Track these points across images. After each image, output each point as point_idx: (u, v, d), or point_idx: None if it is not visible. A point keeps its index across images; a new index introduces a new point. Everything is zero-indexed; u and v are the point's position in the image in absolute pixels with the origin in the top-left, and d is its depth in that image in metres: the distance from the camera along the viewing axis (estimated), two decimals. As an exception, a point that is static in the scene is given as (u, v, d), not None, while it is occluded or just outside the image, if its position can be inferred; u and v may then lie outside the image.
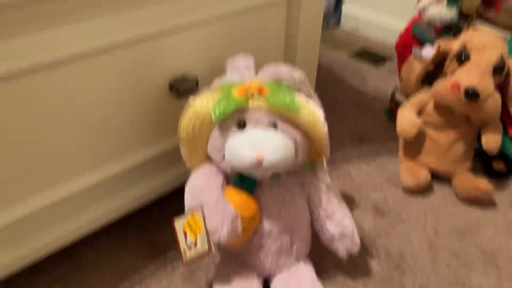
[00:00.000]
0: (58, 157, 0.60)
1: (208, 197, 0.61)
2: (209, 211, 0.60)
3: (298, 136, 0.61)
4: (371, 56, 1.47)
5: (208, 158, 0.66)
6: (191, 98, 0.62)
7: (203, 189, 0.63)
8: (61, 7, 0.50)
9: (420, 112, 0.95)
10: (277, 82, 0.62)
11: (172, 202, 0.78)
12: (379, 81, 1.34)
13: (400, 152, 1.00)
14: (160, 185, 0.76)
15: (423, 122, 0.94)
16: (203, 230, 0.60)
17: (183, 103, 0.64)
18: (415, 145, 0.96)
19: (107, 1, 0.55)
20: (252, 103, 0.60)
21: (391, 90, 1.13)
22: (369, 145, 1.07)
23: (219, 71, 0.69)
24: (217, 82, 0.64)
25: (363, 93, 1.27)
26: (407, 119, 0.92)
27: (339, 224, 0.67)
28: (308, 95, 0.65)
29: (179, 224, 0.59)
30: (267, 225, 0.66)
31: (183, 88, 0.68)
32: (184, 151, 0.66)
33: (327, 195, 0.67)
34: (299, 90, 0.63)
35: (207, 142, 0.64)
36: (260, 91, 0.59)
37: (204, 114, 0.60)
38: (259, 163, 0.57)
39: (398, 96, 1.09)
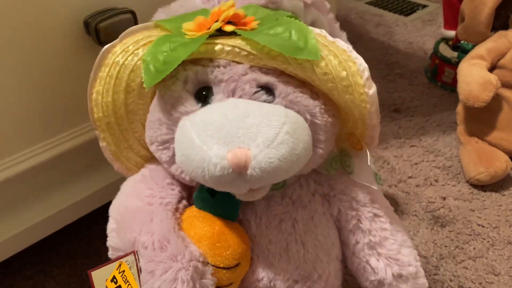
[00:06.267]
0: None
1: (148, 231, 0.46)
2: (149, 259, 0.45)
3: (318, 110, 0.47)
4: (397, 1, 1.44)
5: (151, 156, 0.53)
6: (106, 47, 0.48)
7: (138, 215, 0.47)
8: None
9: (493, 66, 0.83)
10: (273, 7, 0.49)
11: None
12: (411, 33, 1.30)
13: (461, 129, 0.89)
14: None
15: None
16: (137, 292, 0.47)
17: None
18: (485, 117, 0.85)
19: None
20: (223, 50, 0.45)
21: (435, 42, 1.09)
22: (410, 119, 0.98)
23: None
24: (161, 13, 0.51)
25: (393, 49, 1.23)
26: (476, 77, 0.79)
27: (394, 260, 0.52)
28: (331, 33, 0.49)
29: (99, 279, 0.48)
30: (265, 272, 0.50)
31: (107, 27, 0.56)
32: (104, 145, 0.52)
33: (371, 213, 0.52)
34: (313, 23, 0.50)
35: (144, 127, 0.50)
36: (240, 23, 0.45)
37: (130, 70, 0.47)
38: (238, 172, 0.42)
39: (444, 50, 1.05)
